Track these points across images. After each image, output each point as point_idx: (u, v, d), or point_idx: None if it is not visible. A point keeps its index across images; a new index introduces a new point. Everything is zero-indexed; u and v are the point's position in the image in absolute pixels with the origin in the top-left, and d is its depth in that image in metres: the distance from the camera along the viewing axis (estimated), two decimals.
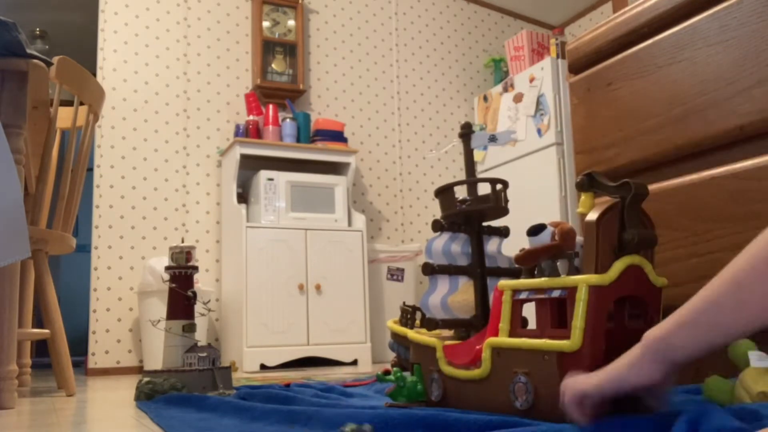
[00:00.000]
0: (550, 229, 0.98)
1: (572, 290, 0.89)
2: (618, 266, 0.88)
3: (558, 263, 0.96)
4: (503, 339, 0.99)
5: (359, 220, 3.53)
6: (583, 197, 0.97)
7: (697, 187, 1.20)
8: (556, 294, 0.92)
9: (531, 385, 0.92)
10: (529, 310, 1.00)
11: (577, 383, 0.79)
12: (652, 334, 0.72)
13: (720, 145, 1.20)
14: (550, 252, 0.96)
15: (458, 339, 1.17)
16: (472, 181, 1.21)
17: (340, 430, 0.85)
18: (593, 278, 0.87)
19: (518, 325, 0.99)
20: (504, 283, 1.02)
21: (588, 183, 0.95)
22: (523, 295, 0.99)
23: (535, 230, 0.99)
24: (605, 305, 0.88)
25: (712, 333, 0.68)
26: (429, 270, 1.16)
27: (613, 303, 0.90)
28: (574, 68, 1.60)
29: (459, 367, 1.07)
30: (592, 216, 0.89)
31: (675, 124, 1.28)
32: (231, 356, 3.22)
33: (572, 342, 0.87)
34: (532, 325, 1.00)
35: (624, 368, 0.74)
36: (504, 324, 1.00)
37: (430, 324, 1.16)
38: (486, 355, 1.00)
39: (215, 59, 3.79)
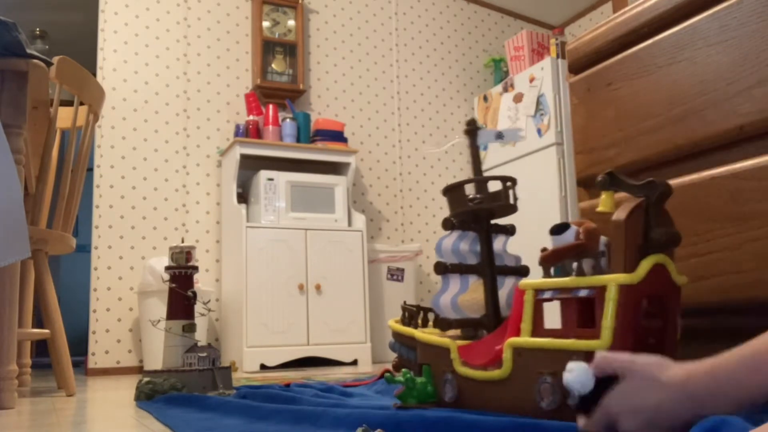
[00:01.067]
0: (574, 228, 0.97)
1: (600, 290, 0.89)
2: (645, 265, 0.88)
3: (583, 263, 0.95)
4: (526, 339, 0.97)
5: (359, 220, 3.53)
6: (603, 196, 0.96)
7: (697, 187, 1.20)
8: (583, 293, 0.91)
9: (558, 386, 0.91)
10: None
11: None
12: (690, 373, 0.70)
13: (720, 145, 1.20)
14: (575, 251, 0.96)
15: (466, 338, 1.16)
16: (482, 179, 1.19)
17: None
18: (622, 277, 0.87)
19: (541, 325, 0.98)
20: (526, 282, 1.01)
21: (609, 182, 0.94)
22: (546, 295, 0.98)
23: (558, 229, 0.98)
24: (634, 304, 0.88)
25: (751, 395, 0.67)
26: (442, 269, 1.15)
27: (642, 302, 0.90)
28: (574, 68, 1.60)
29: (476, 368, 1.06)
30: (620, 215, 0.89)
31: (675, 124, 1.28)
32: (231, 356, 3.22)
33: (602, 341, 0.86)
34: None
35: (660, 403, 0.72)
36: (526, 324, 0.98)
37: (443, 324, 1.15)
38: (507, 355, 0.99)
39: (215, 59, 3.79)
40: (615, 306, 0.87)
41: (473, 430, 0.87)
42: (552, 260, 0.99)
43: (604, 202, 0.96)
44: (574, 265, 0.96)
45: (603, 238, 0.97)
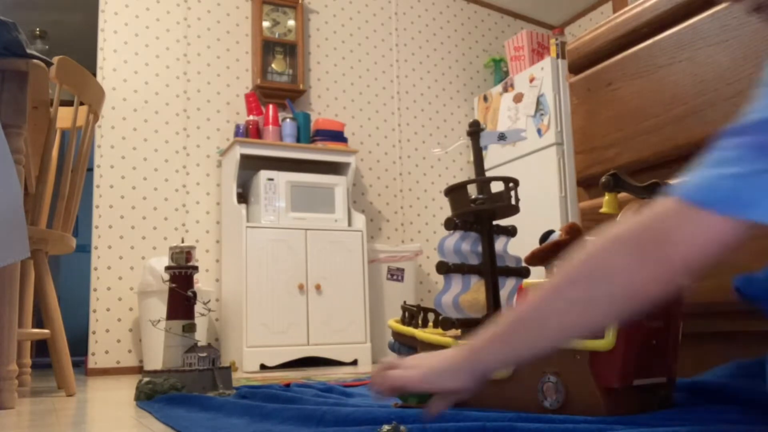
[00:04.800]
0: (557, 232, 1.00)
1: None
2: None
3: None
4: None
5: (359, 220, 3.53)
6: (607, 197, 0.96)
7: None
8: None
9: (561, 385, 0.91)
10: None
11: (397, 377, 0.80)
12: (471, 345, 0.74)
13: None
14: (558, 248, 0.97)
15: (467, 338, 1.16)
16: (485, 180, 1.20)
17: (377, 430, 0.84)
18: None
19: None
20: (529, 282, 1.01)
21: (613, 183, 0.95)
22: None
23: (545, 236, 1.01)
24: None
25: (518, 349, 0.71)
26: (444, 269, 1.15)
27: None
28: (574, 68, 1.60)
29: None
30: (624, 215, 0.89)
31: (675, 124, 1.28)
32: (231, 356, 3.22)
33: (606, 341, 0.87)
34: None
35: (443, 372, 0.76)
36: None
37: (446, 324, 1.15)
38: None
39: (215, 59, 3.79)
40: None
41: (478, 422, 0.87)
42: (536, 260, 1.00)
43: (607, 203, 0.96)
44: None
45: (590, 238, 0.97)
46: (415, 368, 0.79)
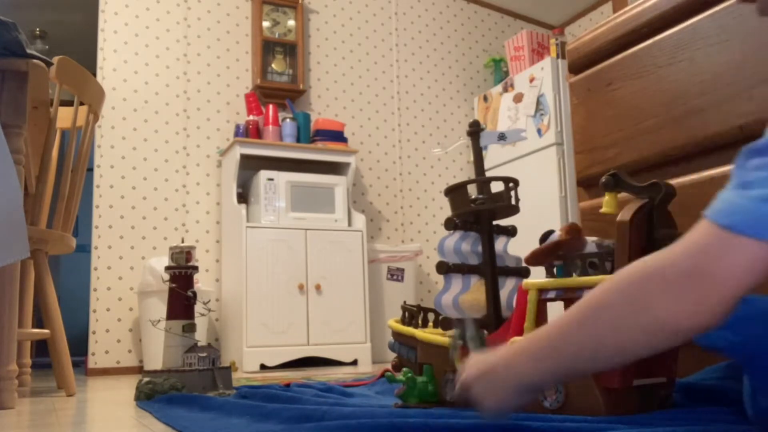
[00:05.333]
0: (557, 232, 1.00)
1: None
2: None
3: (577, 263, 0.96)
4: None
5: (359, 220, 3.53)
6: (607, 197, 0.96)
7: (697, 187, 1.20)
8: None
9: (561, 385, 0.92)
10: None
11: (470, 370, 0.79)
12: (518, 369, 0.73)
13: (720, 145, 1.20)
14: (557, 248, 0.97)
15: None
16: (485, 180, 1.20)
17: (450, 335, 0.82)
18: None
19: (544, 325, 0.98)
20: (529, 282, 1.01)
21: (614, 183, 0.95)
22: (550, 295, 0.98)
23: (545, 236, 1.01)
24: None
25: (551, 368, 0.70)
26: (444, 269, 1.15)
27: None
28: (574, 68, 1.60)
29: None
30: (625, 216, 0.90)
31: (675, 124, 1.28)
32: (231, 356, 3.22)
33: None
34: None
35: (500, 398, 0.75)
36: (529, 324, 0.99)
37: (446, 324, 1.15)
38: None
39: (215, 59, 3.79)
40: None
41: (479, 420, 0.87)
42: (535, 260, 1.00)
43: (607, 203, 0.96)
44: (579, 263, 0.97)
45: (591, 239, 0.97)
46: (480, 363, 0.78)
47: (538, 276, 1.05)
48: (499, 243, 1.23)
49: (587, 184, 1.54)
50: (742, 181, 0.59)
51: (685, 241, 0.61)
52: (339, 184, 3.52)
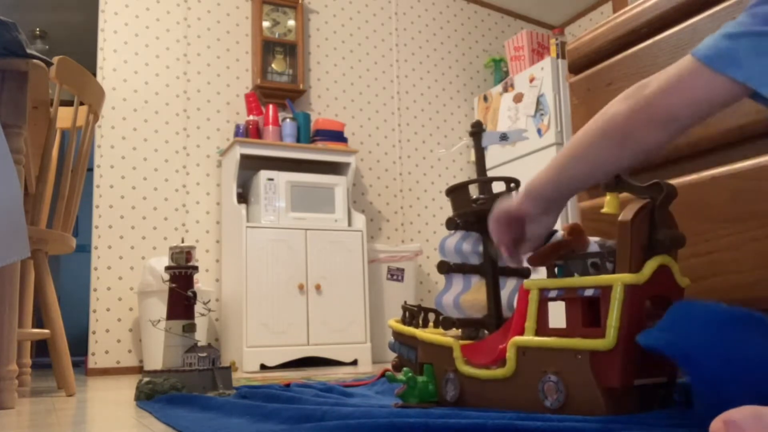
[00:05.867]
0: (559, 232, 1.01)
1: (606, 289, 0.89)
2: (651, 265, 0.88)
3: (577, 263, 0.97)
4: (530, 338, 0.98)
5: (359, 220, 3.53)
6: (608, 197, 0.97)
7: (697, 187, 1.20)
8: (589, 293, 0.92)
9: (562, 385, 0.92)
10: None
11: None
12: (531, 184, 0.98)
13: (720, 145, 1.20)
14: (559, 249, 0.97)
15: (467, 338, 1.16)
16: (486, 180, 1.20)
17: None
18: (628, 277, 0.88)
19: (546, 325, 0.98)
20: (531, 282, 1.02)
21: (615, 183, 0.95)
22: (552, 294, 0.98)
23: (547, 237, 1.01)
24: (639, 304, 0.89)
25: (565, 187, 0.95)
26: (445, 268, 1.15)
27: (647, 302, 0.91)
28: (574, 68, 1.60)
29: (479, 367, 1.06)
30: (626, 216, 0.90)
31: None
32: (231, 356, 3.22)
33: (607, 341, 0.87)
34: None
35: (514, 203, 1.00)
36: (530, 323, 0.99)
37: (447, 323, 1.15)
38: (511, 354, 0.99)
39: (215, 59, 3.79)
40: (620, 306, 0.87)
41: (479, 420, 0.87)
42: (538, 261, 1.01)
43: (609, 203, 0.97)
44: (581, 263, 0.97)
45: (594, 239, 0.98)
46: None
47: (539, 276, 1.05)
48: None
49: None
50: (728, 23, 0.71)
51: (666, 68, 0.77)
52: (339, 184, 3.52)
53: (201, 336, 2.40)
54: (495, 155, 3.84)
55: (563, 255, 0.98)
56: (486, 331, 1.16)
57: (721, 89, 0.69)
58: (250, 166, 3.47)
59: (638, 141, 0.82)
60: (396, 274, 3.72)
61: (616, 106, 0.84)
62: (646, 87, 0.79)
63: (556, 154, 0.96)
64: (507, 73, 4.22)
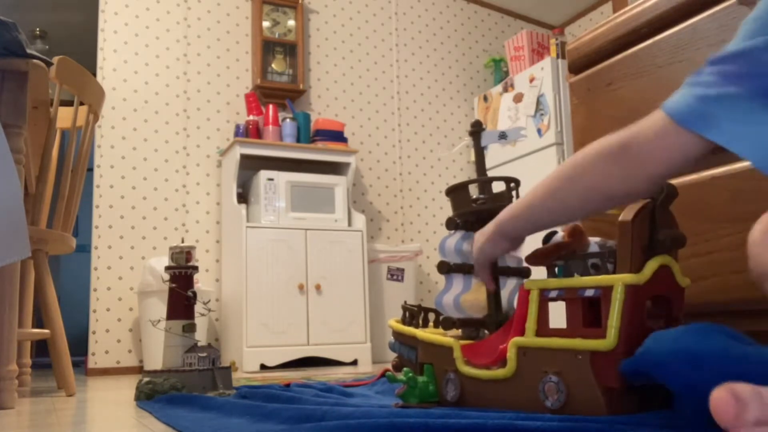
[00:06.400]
0: (560, 233, 1.01)
1: (606, 290, 0.89)
2: (651, 265, 0.88)
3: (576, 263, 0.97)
4: (531, 338, 0.98)
5: (359, 220, 3.53)
6: None
7: (697, 187, 1.20)
8: (589, 293, 0.92)
9: (563, 385, 0.92)
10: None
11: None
12: (499, 219, 1.02)
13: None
14: (559, 250, 0.97)
15: (467, 338, 1.16)
16: (486, 179, 1.20)
17: None
18: (629, 277, 0.87)
19: (546, 325, 0.98)
20: (531, 282, 1.01)
21: None
22: (552, 294, 0.98)
23: (547, 237, 1.02)
24: (640, 304, 0.89)
25: (532, 225, 0.97)
26: (445, 268, 1.15)
27: (647, 302, 0.91)
28: (574, 68, 1.60)
29: (479, 367, 1.06)
30: (627, 216, 0.90)
31: None
32: (231, 356, 3.22)
33: (608, 341, 0.87)
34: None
35: (485, 244, 1.05)
36: (531, 323, 0.99)
37: (447, 323, 1.15)
38: (512, 354, 0.99)
39: (215, 59, 3.79)
40: (621, 306, 0.87)
41: (479, 420, 0.87)
42: (537, 261, 1.01)
43: None
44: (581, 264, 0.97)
45: (594, 239, 0.98)
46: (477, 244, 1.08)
47: (539, 276, 1.05)
48: None
49: None
50: (696, 80, 0.72)
51: (640, 122, 0.77)
52: (339, 184, 3.52)
53: (201, 336, 2.40)
54: (495, 155, 3.84)
55: (564, 255, 0.98)
56: (486, 332, 1.16)
57: (700, 146, 0.72)
58: (250, 166, 3.47)
59: (612, 198, 0.85)
60: (396, 274, 3.73)
61: (593, 163, 0.84)
62: (623, 148, 0.79)
63: (529, 191, 0.96)
64: (507, 73, 4.23)
